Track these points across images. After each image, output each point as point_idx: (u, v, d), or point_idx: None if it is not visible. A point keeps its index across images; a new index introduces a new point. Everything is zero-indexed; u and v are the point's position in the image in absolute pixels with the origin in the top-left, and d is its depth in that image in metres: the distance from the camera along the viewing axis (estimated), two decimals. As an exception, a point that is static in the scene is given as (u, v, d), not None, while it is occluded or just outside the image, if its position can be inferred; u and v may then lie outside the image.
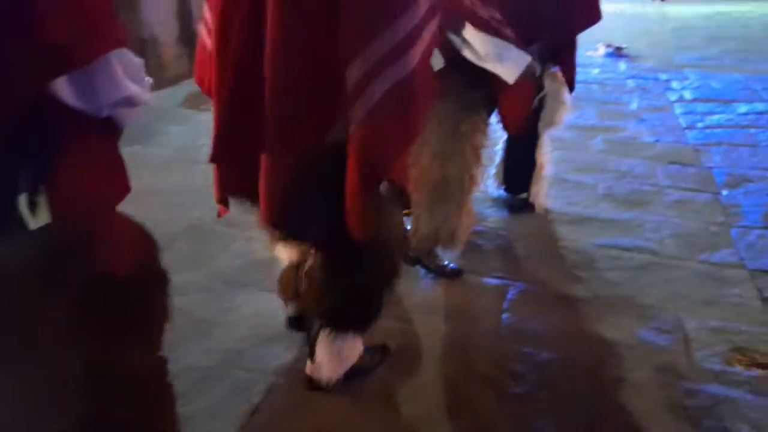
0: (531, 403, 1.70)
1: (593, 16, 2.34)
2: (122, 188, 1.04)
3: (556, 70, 2.37)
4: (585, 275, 2.31)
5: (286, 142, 1.34)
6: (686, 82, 4.88)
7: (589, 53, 5.68)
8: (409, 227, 2.18)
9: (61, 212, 0.91)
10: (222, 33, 1.32)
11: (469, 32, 1.93)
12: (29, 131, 0.89)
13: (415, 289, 2.22)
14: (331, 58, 1.26)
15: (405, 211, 1.98)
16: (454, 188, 2.14)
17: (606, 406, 1.70)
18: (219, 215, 1.62)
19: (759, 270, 2.32)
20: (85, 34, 0.87)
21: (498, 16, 1.95)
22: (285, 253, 1.71)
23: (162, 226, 2.43)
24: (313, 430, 1.61)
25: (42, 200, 0.91)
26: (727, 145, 3.55)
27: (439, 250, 2.27)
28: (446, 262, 2.31)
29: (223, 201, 1.55)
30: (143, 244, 1.13)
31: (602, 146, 3.59)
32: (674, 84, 4.85)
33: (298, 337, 1.89)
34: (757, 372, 1.80)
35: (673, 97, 4.53)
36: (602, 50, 5.79)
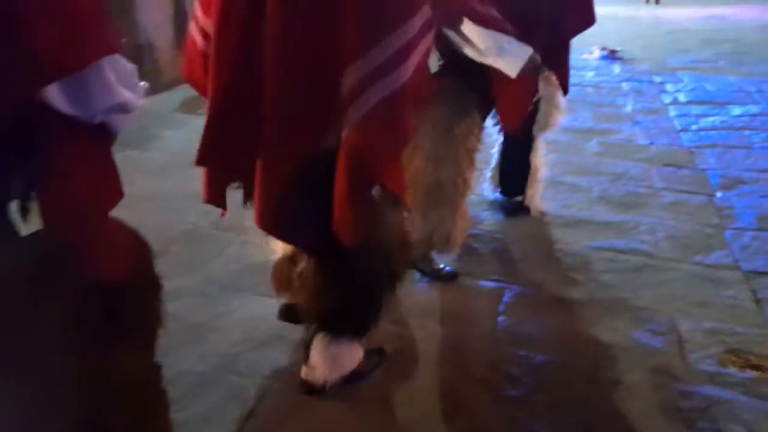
0: (527, 405, 1.70)
1: (587, 19, 2.35)
2: (115, 194, 1.03)
3: (550, 74, 2.37)
4: (580, 278, 2.31)
5: (283, 146, 1.34)
6: (680, 85, 4.90)
7: (584, 56, 5.70)
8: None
9: (52, 218, 0.91)
10: (220, 35, 1.32)
11: (468, 27, 1.91)
12: (21, 137, 0.89)
13: (411, 292, 2.21)
14: (329, 63, 1.27)
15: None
16: (447, 192, 2.14)
17: (601, 408, 1.70)
18: (222, 216, 1.61)
19: (753, 272, 2.33)
20: (76, 40, 0.87)
21: (495, 13, 1.95)
22: (279, 246, 1.71)
23: (157, 231, 2.43)
24: (308, 435, 1.61)
25: (34, 206, 0.90)
26: (721, 147, 3.57)
27: (435, 254, 2.27)
28: (442, 266, 2.31)
29: (212, 201, 1.54)
30: (137, 250, 1.13)
31: (597, 149, 3.60)
32: (668, 87, 4.87)
33: (293, 340, 1.89)
34: (751, 373, 1.81)
35: (667, 99, 4.55)
36: (597, 53, 5.82)
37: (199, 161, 1.41)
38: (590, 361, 1.87)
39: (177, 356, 1.83)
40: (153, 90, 4.24)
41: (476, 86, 2.11)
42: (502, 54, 1.94)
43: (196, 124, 1.40)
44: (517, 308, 2.14)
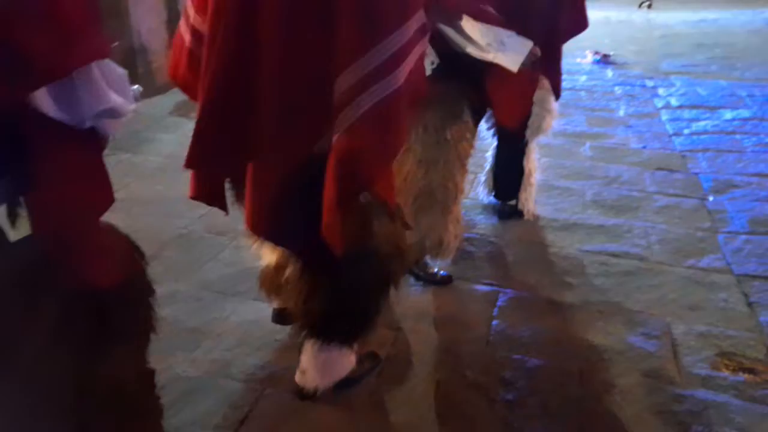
0: (521, 409, 1.70)
1: (580, 23, 2.37)
2: (106, 199, 1.03)
3: (542, 78, 2.38)
4: (574, 281, 2.32)
5: (275, 149, 1.34)
6: (673, 89, 4.93)
7: (577, 60, 5.73)
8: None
9: (42, 224, 0.90)
10: (213, 35, 1.31)
11: (468, 24, 1.91)
12: (8, 142, 0.88)
13: (406, 296, 2.22)
14: (323, 67, 1.27)
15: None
16: (438, 196, 2.13)
17: (595, 411, 1.71)
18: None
19: (745, 275, 2.34)
20: (65, 45, 0.87)
21: (492, 10, 1.95)
22: (267, 254, 1.70)
23: (150, 235, 2.45)
24: (302, 440, 1.61)
25: (22, 211, 0.90)
26: (713, 151, 3.59)
27: (429, 259, 2.27)
28: (436, 269, 2.31)
29: (199, 198, 1.53)
30: (128, 255, 1.13)
31: (590, 153, 3.62)
32: (661, 91, 4.90)
33: (288, 345, 1.89)
34: (743, 377, 1.82)
35: (659, 103, 4.57)
36: (590, 57, 5.84)
37: (189, 164, 1.40)
38: (584, 365, 1.88)
39: (170, 361, 1.83)
40: (146, 93, 4.23)
41: (469, 90, 2.11)
42: (503, 49, 1.94)
43: (190, 128, 1.40)
44: (511, 312, 2.14)
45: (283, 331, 1.93)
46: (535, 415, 1.68)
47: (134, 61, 4.36)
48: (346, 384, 1.72)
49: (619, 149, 3.67)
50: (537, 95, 2.41)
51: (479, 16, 1.91)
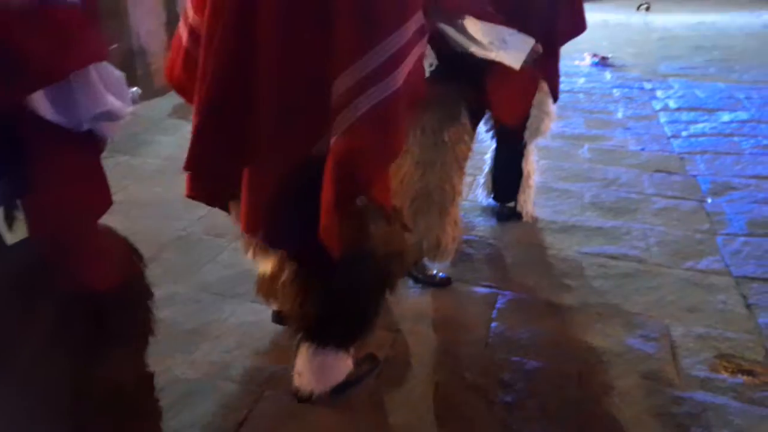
0: (519, 411, 1.70)
1: (578, 26, 2.38)
2: (103, 202, 1.03)
3: (541, 81, 2.39)
4: (572, 283, 2.32)
5: (273, 151, 1.33)
6: (671, 91, 4.94)
7: (575, 63, 5.74)
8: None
9: (38, 227, 0.90)
10: (211, 35, 1.31)
11: (470, 23, 1.91)
12: (5, 145, 0.88)
13: (404, 298, 2.22)
14: (322, 69, 1.27)
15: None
16: (435, 198, 2.13)
17: (594, 414, 1.71)
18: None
19: (744, 277, 2.35)
20: (62, 47, 0.86)
21: (491, 9, 1.96)
22: (261, 262, 1.69)
23: (149, 237, 2.45)
24: (301, 442, 1.61)
25: (19, 214, 0.90)
26: (711, 154, 3.60)
27: (427, 261, 2.27)
28: (435, 271, 2.31)
29: (194, 197, 1.53)
30: (126, 258, 1.12)
31: (589, 155, 3.62)
32: (659, 93, 4.91)
33: (287, 347, 1.88)
34: (742, 379, 1.82)
35: (658, 106, 4.58)
36: (588, 60, 5.86)
37: (189, 166, 1.39)
38: (583, 367, 1.88)
39: (169, 363, 1.82)
40: (145, 95, 4.24)
41: (468, 90, 2.12)
42: (505, 47, 1.95)
43: (188, 130, 1.40)
44: (510, 314, 2.14)
45: (283, 333, 1.92)
46: (533, 417, 1.68)
47: (133, 64, 4.36)
48: (345, 386, 1.72)
49: (617, 151, 3.67)
50: (535, 98, 2.42)
51: (481, 16, 1.93)
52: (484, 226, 2.76)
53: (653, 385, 1.80)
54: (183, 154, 1.41)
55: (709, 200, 3.00)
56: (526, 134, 2.52)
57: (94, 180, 1.01)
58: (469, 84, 2.11)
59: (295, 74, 1.29)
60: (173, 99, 4.26)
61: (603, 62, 5.83)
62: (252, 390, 1.75)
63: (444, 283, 2.29)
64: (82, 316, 0.98)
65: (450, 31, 1.92)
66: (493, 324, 2.08)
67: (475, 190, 2.95)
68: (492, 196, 2.82)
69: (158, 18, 4.70)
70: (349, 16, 1.23)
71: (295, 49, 1.27)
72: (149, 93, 4.36)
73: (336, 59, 1.25)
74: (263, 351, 1.92)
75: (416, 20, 1.31)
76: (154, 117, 4.07)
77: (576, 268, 2.42)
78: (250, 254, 1.70)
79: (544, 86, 2.40)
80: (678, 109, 4.50)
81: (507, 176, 2.72)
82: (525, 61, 2.00)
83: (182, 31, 1.47)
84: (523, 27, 1.99)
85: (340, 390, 1.71)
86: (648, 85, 5.14)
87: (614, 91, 5.00)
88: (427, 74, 1.93)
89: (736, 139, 3.85)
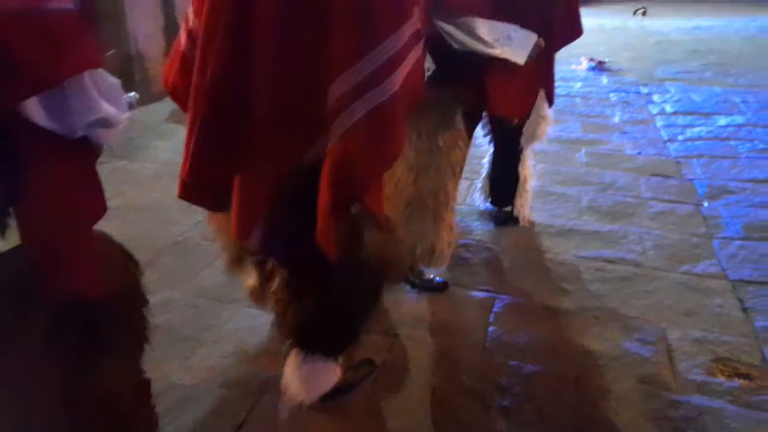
0: (517, 415, 1.70)
1: (574, 31, 2.39)
2: (98, 209, 1.02)
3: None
4: (569, 287, 2.32)
5: (265, 157, 1.32)
6: (667, 96, 4.96)
7: (572, 67, 5.76)
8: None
9: (31, 234, 0.90)
10: (207, 39, 1.30)
11: (475, 21, 1.94)
12: None
13: (401, 302, 2.22)
14: (317, 74, 1.26)
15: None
16: (429, 203, 2.13)
17: (591, 417, 1.71)
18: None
19: (740, 280, 2.35)
20: (56, 54, 0.86)
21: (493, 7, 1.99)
22: (247, 277, 1.69)
23: (146, 242, 2.45)
24: (298, 447, 1.60)
25: (12, 222, 0.89)
26: (708, 157, 3.61)
27: (423, 266, 2.26)
28: (432, 276, 2.31)
29: (186, 198, 1.51)
30: (121, 265, 1.12)
31: (586, 159, 3.63)
32: (655, 97, 4.92)
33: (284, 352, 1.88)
34: (738, 382, 1.82)
35: (654, 110, 4.60)
36: (585, 64, 5.87)
37: (190, 172, 1.37)
38: (580, 371, 1.88)
39: (166, 369, 1.82)
40: (143, 100, 4.24)
41: (465, 93, 2.13)
42: (510, 44, 1.99)
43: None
44: (507, 318, 2.15)
45: (273, 339, 1.92)
46: (531, 422, 1.68)
47: (131, 68, 4.37)
48: (342, 391, 1.72)
49: (614, 155, 3.68)
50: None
51: (486, 14, 1.96)
52: (481, 230, 2.76)
53: (650, 388, 1.80)
54: (180, 159, 1.40)
55: (706, 204, 3.00)
56: (523, 139, 2.53)
57: (88, 187, 1.01)
58: (467, 84, 2.13)
59: (290, 77, 1.28)
60: (171, 104, 4.23)
61: (600, 66, 5.85)
62: (249, 395, 1.75)
63: (441, 288, 2.29)
64: (74, 324, 0.98)
65: (452, 30, 1.95)
66: (491, 328, 2.09)
67: (473, 194, 2.95)
68: (489, 200, 2.83)
69: (156, 22, 4.71)
70: (346, 20, 1.23)
71: (291, 51, 1.26)
72: (147, 98, 4.37)
73: (332, 63, 1.25)
74: (260, 356, 1.91)
75: (412, 24, 1.31)
76: (152, 122, 4.07)
77: (573, 272, 2.42)
78: (227, 266, 1.70)
79: (540, 91, 2.41)
80: (674, 113, 4.51)
81: (504, 180, 2.73)
82: (529, 56, 2.05)
83: (182, 36, 1.47)
84: (525, 24, 2.04)
85: (338, 395, 1.70)
86: (644, 90, 5.16)
87: (611, 95, 5.02)
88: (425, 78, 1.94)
89: (732, 142, 3.86)
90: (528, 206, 2.77)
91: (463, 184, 2.87)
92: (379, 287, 1.55)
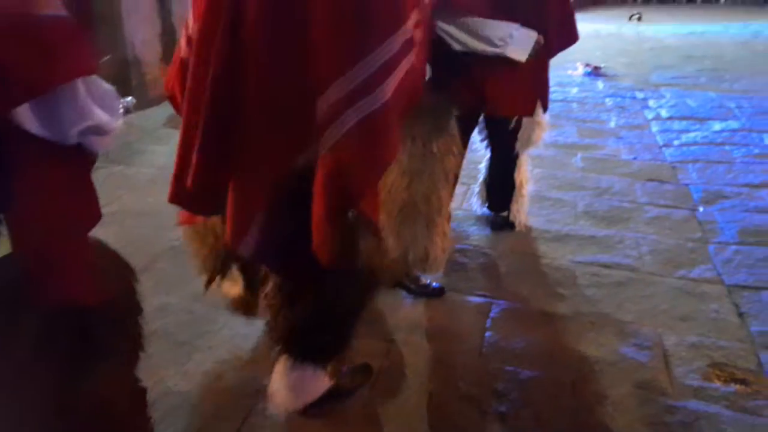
0: (513, 420, 1.70)
1: (570, 37, 2.40)
2: (92, 216, 1.01)
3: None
4: (566, 292, 2.33)
5: (257, 165, 1.31)
6: (663, 101, 4.98)
7: (568, 72, 5.78)
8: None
9: (22, 242, 0.89)
10: (201, 45, 1.30)
11: (479, 21, 2.01)
12: None
13: (398, 307, 2.22)
14: (308, 80, 1.26)
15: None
16: (421, 208, 2.12)
17: (587, 423, 1.71)
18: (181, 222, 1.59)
19: (736, 285, 2.36)
20: (48, 61, 0.85)
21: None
22: (231, 286, 1.69)
23: (143, 247, 2.44)
24: (294, 453, 1.60)
25: (3, 230, 0.88)
26: (703, 162, 3.63)
27: (417, 272, 2.26)
28: (429, 281, 2.31)
29: (176, 202, 1.49)
30: (116, 272, 1.11)
31: (582, 164, 3.64)
32: (651, 102, 4.95)
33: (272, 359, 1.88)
34: (735, 387, 1.83)
35: (650, 115, 4.62)
36: (581, 69, 5.90)
37: (194, 180, 1.35)
38: (576, 376, 1.88)
39: (162, 374, 1.81)
40: (139, 105, 4.24)
41: (462, 95, 2.14)
42: (512, 42, 2.07)
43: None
44: (504, 323, 2.15)
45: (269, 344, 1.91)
46: (527, 427, 1.68)
47: (128, 73, 4.37)
48: (339, 397, 1.72)
49: (610, 160, 3.70)
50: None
51: (489, 14, 2.02)
52: (478, 236, 2.76)
53: (646, 394, 1.80)
54: (177, 163, 1.40)
55: (701, 209, 3.02)
56: (518, 144, 2.54)
57: (82, 194, 0.99)
58: (464, 86, 2.15)
59: (280, 82, 1.27)
60: (167, 109, 4.24)
61: (595, 72, 5.88)
62: (245, 401, 1.74)
63: (438, 293, 2.29)
64: (66, 331, 0.96)
65: (453, 30, 2.00)
66: (488, 333, 2.09)
67: (470, 199, 2.96)
68: (486, 205, 2.83)
69: (153, 28, 4.71)
70: (334, 31, 1.22)
71: (280, 57, 1.25)
72: (143, 102, 4.37)
73: (323, 71, 1.24)
74: (256, 362, 1.91)
75: (404, 32, 1.31)
76: (149, 127, 4.06)
77: (569, 277, 2.43)
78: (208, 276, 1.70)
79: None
80: (670, 118, 4.54)
81: (501, 185, 2.73)
82: (530, 55, 2.12)
83: (182, 42, 1.46)
84: (525, 23, 2.10)
85: (337, 398, 1.70)
86: (640, 95, 5.18)
87: (607, 100, 5.04)
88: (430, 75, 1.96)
89: (727, 147, 3.88)
90: (524, 211, 2.77)
91: (460, 189, 2.88)
92: (371, 293, 1.54)
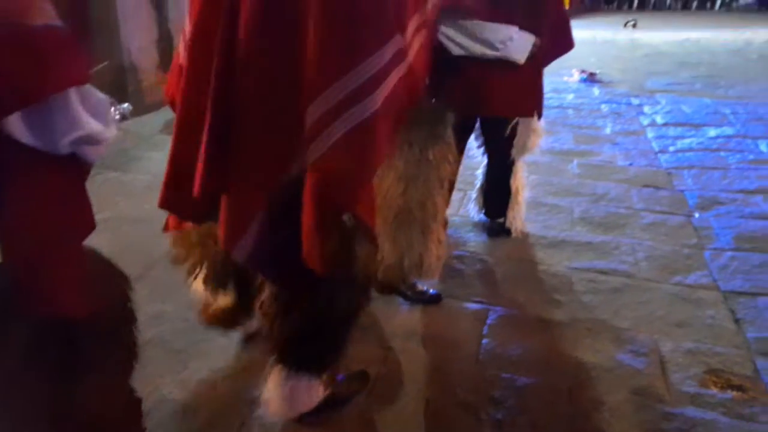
0: (510, 428, 1.70)
1: (565, 44, 2.41)
2: (85, 226, 0.99)
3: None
4: (562, 299, 2.33)
5: (249, 171, 1.31)
6: (658, 107, 5.01)
7: (564, 79, 5.81)
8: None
9: (13, 251, 0.88)
10: (194, 50, 1.30)
11: (477, 24, 2.05)
12: None
13: (395, 314, 2.21)
14: (297, 93, 1.25)
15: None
16: (416, 214, 2.13)
17: (584, 430, 1.70)
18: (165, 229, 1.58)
19: (731, 291, 2.36)
20: (39, 70, 0.85)
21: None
22: (221, 297, 1.68)
23: (139, 254, 2.43)
24: (291, 462, 1.59)
25: None
26: (698, 169, 3.64)
27: (413, 279, 2.25)
28: (425, 288, 2.31)
29: (166, 207, 1.49)
30: (110, 282, 1.10)
31: (578, 170, 3.65)
32: (646, 108, 4.97)
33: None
34: (731, 394, 1.83)
35: (645, 121, 4.64)
36: (576, 76, 5.93)
37: (200, 189, 1.35)
38: (573, 383, 1.88)
39: (158, 383, 1.80)
40: (136, 111, 4.24)
41: (459, 98, 2.16)
42: (512, 44, 2.13)
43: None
44: (501, 330, 2.14)
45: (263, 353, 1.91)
46: (524, 434, 1.68)
47: (124, 80, 4.37)
48: (336, 404, 1.71)
49: (606, 166, 3.71)
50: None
51: (488, 16, 2.07)
52: (475, 242, 2.76)
53: (643, 400, 1.80)
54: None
55: (697, 215, 3.03)
56: (514, 151, 2.54)
57: (75, 203, 0.98)
58: (462, 90, 2.17)
59: (270, 91, 1.27)
60: (164, 115, 4.26)
61: (591, 78, 5.91)
62: (240, 409, 1.73)
63: (434, 300, 2.29)
64: (57, 341, 0.95)
65: (453, 34, 2.04)
66: (484, 340, 2.08)
67: (466, 206, 2.96)
68: (483, 211, 2.83)
69: (149, 34, 4.72)
70: (324, 42, 1.22)
71: (270, 64, 1.25)
72: (140, 109, 4.36)
73: (312, 80, 1.23)
74: (252, 370, 1.90)
75: (394, 43, 1.30)
76: (145, 133, 4.06)
77: (566, 284, 2.43)
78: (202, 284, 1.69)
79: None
80: (665, 124, 4.56)
81: (497, 192, 2.74)
82: (528, 57, 2.18)
83: (180, 49, 1.46)
84: (523, 26, 2.15)
85: (334, 406, 1.69)
86: (635, 101, 5.21)
87: (602, 106, 5.06)
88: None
89: (722, 154, 3.90)
90: (521, 218, 2.78)
91: (456, 195, 2.88)
92: (365, 301, 1.54)
